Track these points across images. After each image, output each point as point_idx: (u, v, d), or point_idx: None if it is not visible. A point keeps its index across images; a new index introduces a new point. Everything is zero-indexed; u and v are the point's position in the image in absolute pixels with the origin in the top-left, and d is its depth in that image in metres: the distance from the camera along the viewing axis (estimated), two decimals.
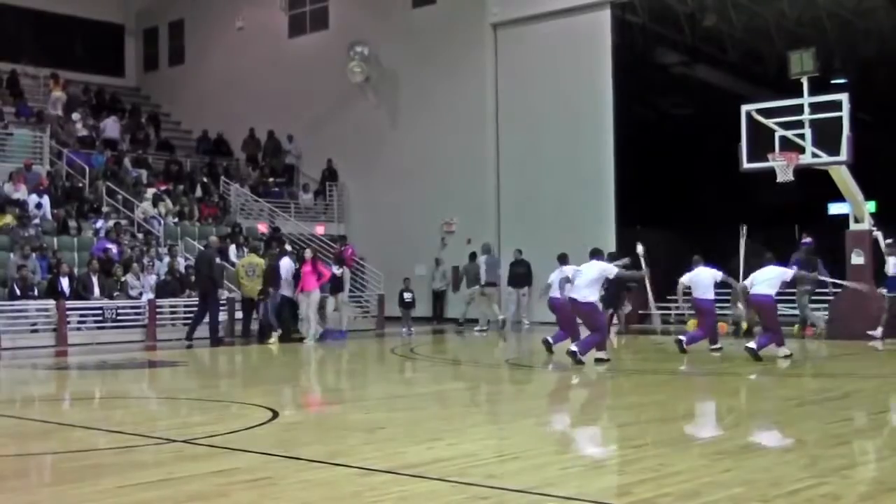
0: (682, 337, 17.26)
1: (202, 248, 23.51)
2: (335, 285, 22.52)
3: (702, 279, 17.29)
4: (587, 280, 15.62)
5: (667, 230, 25.63)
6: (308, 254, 22.09)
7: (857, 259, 20.39)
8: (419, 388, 14.06)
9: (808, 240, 21.43)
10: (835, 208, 24.11)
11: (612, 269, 15.86)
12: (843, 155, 19.54)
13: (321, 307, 22.12)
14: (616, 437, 9.26)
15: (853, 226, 20.88)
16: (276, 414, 10.23)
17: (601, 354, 15.75)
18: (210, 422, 10.01)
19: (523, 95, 27.94)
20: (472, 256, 26.07)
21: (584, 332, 16.19)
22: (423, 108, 29.65)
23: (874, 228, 20.73)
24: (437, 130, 29.16)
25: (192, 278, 22.64)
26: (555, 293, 17.37)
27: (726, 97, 26.23)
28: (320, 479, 7.08)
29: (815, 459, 7.73)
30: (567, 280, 16.04)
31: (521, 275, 26.06)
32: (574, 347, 15.55)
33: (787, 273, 16.31)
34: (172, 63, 37.68)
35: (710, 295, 17.31)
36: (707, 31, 28.28)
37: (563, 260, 18.02)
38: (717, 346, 17.58)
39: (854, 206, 20.84)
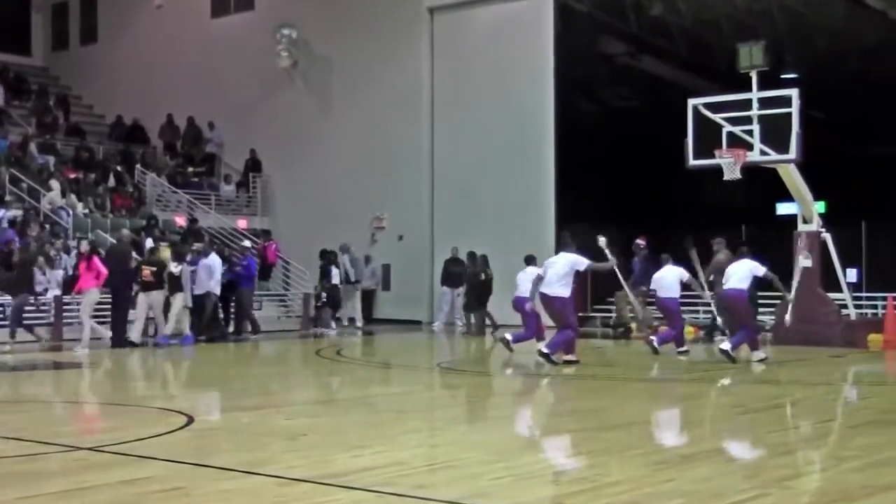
0: (653, 337, 17.52)
1: (114, 241, 23.24)
2: (174, 285, 20.76)
3: (666, 279, 17.57)
4: (557, 274, 15.64)
5: (609, 228, 25.79)
6: (84, 247, 20.81)
7: (804, 262, 20.69)
8: (345, 393, 14.03)
9: (642, 242, 22.18)
10: (783, 208, 24.44)
11: (582, 262, 15.82)
12: (793, 153, 19.81)
13: (165, 309, 21.28)
14: (553, 446, 9.32)
15: (801, 227, 21.18)
16: (191, 419, 10.14)
17: (570, 357, 15.81)
18: (120, 427, 9.90)
19: (461, 85, 28.00)
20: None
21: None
22: (355, 97, 29.57)
23: (823, 230, 21.07)
24: (369, 120, 29.10)
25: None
26: (522, 292, 17.54)
27: (673, 90, 26.46)
28: (238, 489, 7.03)
29: (758, 469, 7.85)
30: (540, 279, 16.06)
31: (457, 274, 26.07)
32: (545, 349, 15.60)
33: (759, 269, 16.53)
34: (84, 42, 37.15)
35: (675, 294, 17.56)
36: (654, 21, 28.52)
37: (529, 261, 18.19)
38: (684, 349, 17.81)
39: (803, 207, 21.15)
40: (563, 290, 15.68)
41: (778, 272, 18.20)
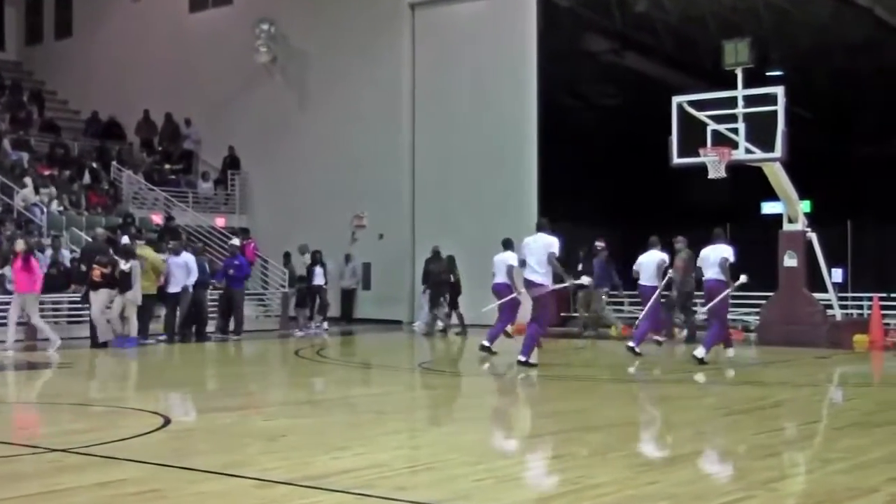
0: (630, 343, 17.52)
1: (89, 239, 23.14)
2: (124, 283, 20.12)
3: (646, 264, 17.61)
4: (538, 258, 15.45)
5: (593, 227, 25.87)
6: (21, 246, 19.62)
7: (790, 261, 20.79)
8: (325, 394, 14.02)
9: (601, 244, 22.53)
10: (768, 207, 24.53)
11: (555, 243, 15.54)
12: (778, 151, 19.91)
13: (109, 307, 21.12)
14: (535, 448, 9.33)
15: (787, 226, 21.27)
16: (168, 420, 10.12)
17: (532, 358, 15.72)
18: (95, 429, 9.86)
19: (442, 81, 28.01)
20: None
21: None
22: (334, 93, 29.53)
23: (808, 229, 21.15)
24: (349, 117, 29.07)
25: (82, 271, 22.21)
26: (499, 279, 17.54)
27: (657, 88, 26.52)
28: (215, 492, 7.01)
29: (743, 471, 7.87)
30: (522, 263, 16.04)
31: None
32: (521, 357, 15.50)
33: (729, 250, 16.54)
34: (59, 36, 37.01)
35: (655, 282, 17.59)
36: (639, 17, 28.58)
37: (507, 245, 18.17)
38: (660, 338, 17.92)
39: (788, 206, 21.24)
40: (545, 277, 15.53)
41: (763, 272, 18.33)
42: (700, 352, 16.11)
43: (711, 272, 16.42)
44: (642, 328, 17.73)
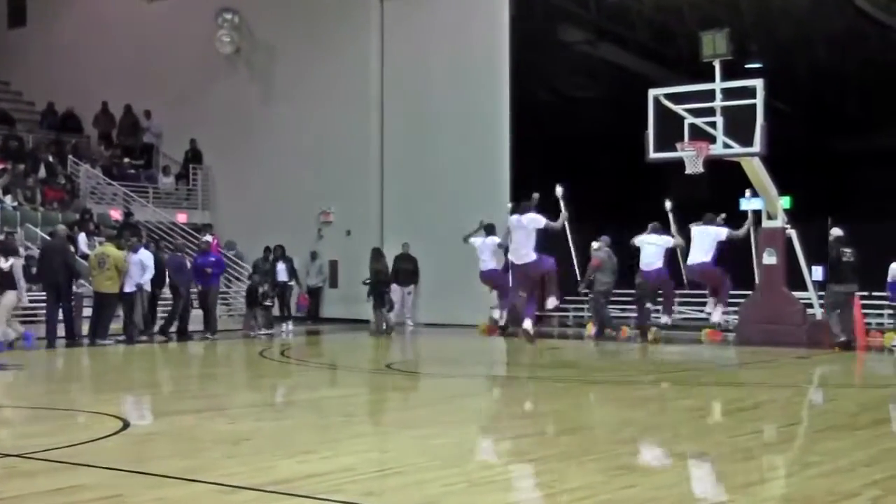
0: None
1: (47, 236, 23.00)
2: (5, 282, 19.52)
3: (646, 248, 17.63)
4: (525, 235, 15.75)
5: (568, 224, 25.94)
6: None
7: (769, 259, 20.88)
8: (290, 396, 13.99)
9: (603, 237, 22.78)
10: (747, 203, 24.66)
11: (540, 220, 15.94)
12: (757, 146, 19.98)
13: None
14: (508, 450, 9.33)
15: (766, 223, 21.37)
16: (126, 424, 10.07)
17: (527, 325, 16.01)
18: (50, 433, 9.79)
19: (412, 74, 27.98)
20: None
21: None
22: (301, 85, 29.45)
23: (788, 226, 21.26)
24: (316, 110, 28.99)
25: (34, 270, 22.06)
26: (488, 265, 17.65)
27: (633, 80, 26.59)
28: (176, 497, 6.99)
29: (721, 475, 7.91)
30: (506, 250, 16.31)
31: (408, 271, 26.11)
32: (528, 327, 15.85)
33: (722, 233, 16.73)
34: (12, 25, 36.69)
35: (657, 266, 17.62)
36: (613, 7, 28.65)
37: (489, 230, 18.24)
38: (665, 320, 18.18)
39: (767, 202, 21.33)
40: (533, 253, 15.81)
41: (741, 269, 18.46)
42: (717, 315, 16.57)
43: (698, 255, 16.60)
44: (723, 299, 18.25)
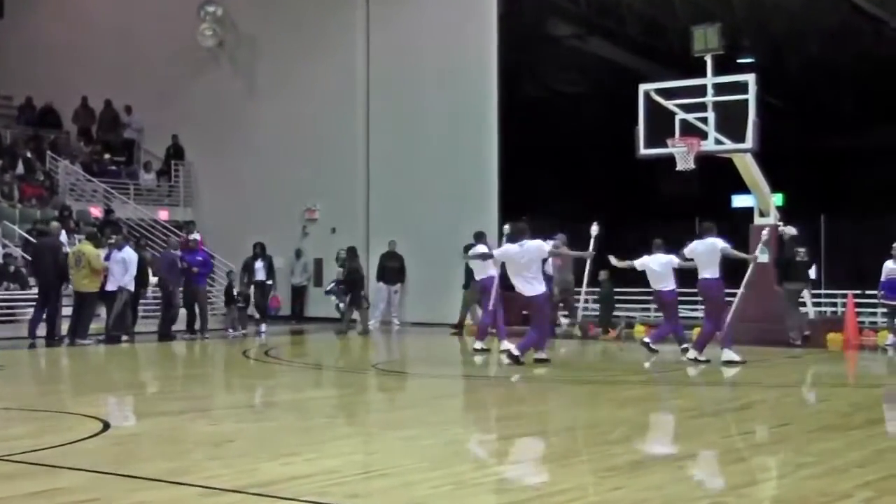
0: (646, 339, 17.62)
1: (38, 234, 22.98)
2: None
3: (655, 269, 17.38)
4: (536, 265, 15.61)
5: (554, 219, 25.96)
6: None
7: (761, 257, 20.92)
8: (275, 396, 13.97)
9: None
10: (739, 200, 24.72)
11: (543, 246, 15.76)
12: (749, 142, 20.04)
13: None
14: (495, 452, 9.34)
15: (758, 220, 21.43)
16: (107, 425, 10.05)
17: (540, 355, 15.89)
18: (29, 435, 9.77)
19: (398, 68, 27.96)
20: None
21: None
22: (285, 80, 29.42)
23: (781, 223, 21.32)
24: (300, 105, 28.96)
25: (12, 269, 22.08)
26: (486, 273, 17.55)
27: (624, 75, 26.67)
28: (158, 500, 6.98)
29: (712, 476, 7.93)
30: (488, 256, 16.30)
31: (394, 269, 26.13)
32: (515, 351, 15.59)
33: (725, 246, 16.53)
34: None
35: (671, 286, 17.41)
36: (603, 1, 28.69)
37: (479, 238, 18.21)
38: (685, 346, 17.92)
39: (759, 199, 21.40)
40: (541, 285, 15.72)
41: (732, 268, 18.36)
42: (692, 353, 16.36)
43: (708, 270, 16.36)
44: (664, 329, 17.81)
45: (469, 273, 21.00)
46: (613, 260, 17.97)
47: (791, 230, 18.64)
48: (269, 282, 24.90)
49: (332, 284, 24.72)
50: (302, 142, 28.91)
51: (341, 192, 28.42)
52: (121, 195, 29.81)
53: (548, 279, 18.68)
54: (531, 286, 15.49)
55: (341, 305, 24.18)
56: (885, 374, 17.95)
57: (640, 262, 17.56)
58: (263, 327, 24.23)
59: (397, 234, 26.32)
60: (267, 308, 24.96)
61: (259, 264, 24.65)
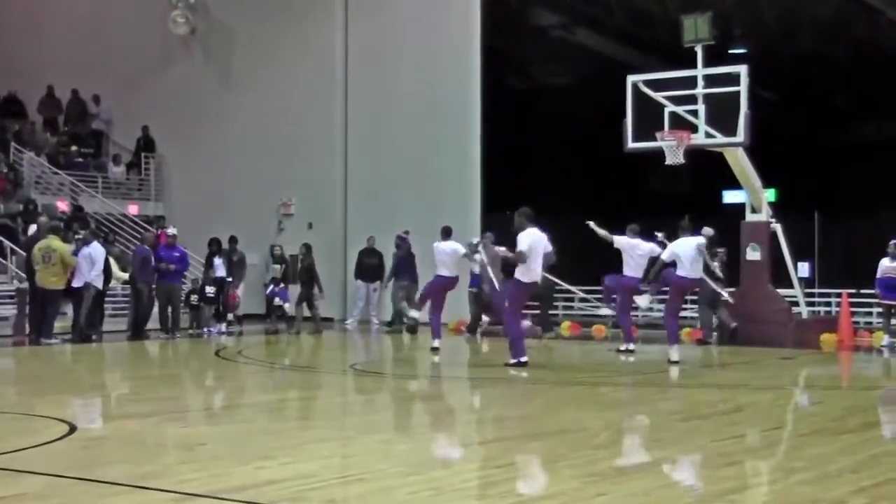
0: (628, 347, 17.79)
1: (29, 232, 22.97)
2: None
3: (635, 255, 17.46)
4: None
5: (539, 215, 25.95)
6: None
7: (752, 254, 21.02)
8: (248, 398, 13.96)
9: (405, 234, 24.29)
10: (730, 196, 24.81)
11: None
12: (740, 135, 20.10)
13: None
14: (476, 456, 9.35)
15: (750, 216, 21.50)
16: (73, 428, 10.03)
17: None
18: None
19: (378, 59, 27.94)
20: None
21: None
22: (260, 69, 29.37)
23: (773, 220, 21.38)
24: (277, 96, 28.93)
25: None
26: (449, 272, 17.72)
27: (611, 66, 26.70)
28: None
29: (701, 482, 7.96)
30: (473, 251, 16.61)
31: (372, 266, 26.08)
32: (511, 360, 15.95)
33: (701, 240, 16.67)
34: None
35: (640, 274, 17.48)
36: None
37: (447, 234, 18.24)
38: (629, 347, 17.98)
39: (751, 195, 21.46)
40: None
41: (724, 266, 18.48)
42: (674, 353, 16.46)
43: (693, 269, 16.42)
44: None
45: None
46: (593, 225, 18.03)
47: (708, 231, 18.65)
48: (230, 279, 24.75)
49: (272, 286, 24.64)
50: (277, 134, 28.87)
51: (318, 186, 28.40)
52: (88, 188, 29.72)
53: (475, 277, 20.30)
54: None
55: (286, 305, 24.25)
56: (880, 376, 18.03)
57: (619, 242, 17.65)
58: (223, 326, 24.13)
59: (376, 229, 26.28)
60: (226, 306, 24.83)
61: (218, 261, 24.51)
